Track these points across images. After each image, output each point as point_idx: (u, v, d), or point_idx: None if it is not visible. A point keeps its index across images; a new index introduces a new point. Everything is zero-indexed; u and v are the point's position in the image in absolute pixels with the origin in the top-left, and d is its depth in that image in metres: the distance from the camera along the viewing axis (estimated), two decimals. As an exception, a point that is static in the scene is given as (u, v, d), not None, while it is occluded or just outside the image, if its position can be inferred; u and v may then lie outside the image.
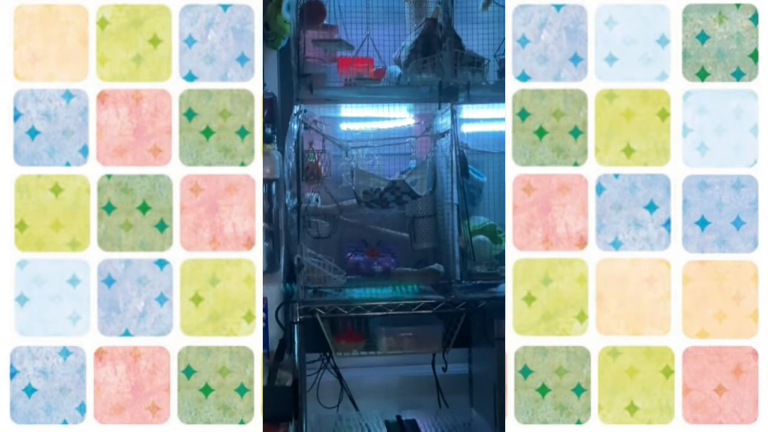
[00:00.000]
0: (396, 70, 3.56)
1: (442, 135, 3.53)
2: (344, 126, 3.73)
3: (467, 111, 3.56)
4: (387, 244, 3.73)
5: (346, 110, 3.73)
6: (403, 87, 3.51)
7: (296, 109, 3.43)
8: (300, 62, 3.41)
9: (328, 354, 3.77)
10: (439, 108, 3.53)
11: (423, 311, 3.32)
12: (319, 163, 3.57)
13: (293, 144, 3.41)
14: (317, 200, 3.58)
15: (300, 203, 3.40)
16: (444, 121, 3.52)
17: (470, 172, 3.52)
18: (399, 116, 3.75)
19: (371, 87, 3.51)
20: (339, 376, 3.88)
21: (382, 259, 3.66)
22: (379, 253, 3.70)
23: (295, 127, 3.41)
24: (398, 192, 3.42)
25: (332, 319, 3.45)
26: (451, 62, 3.38)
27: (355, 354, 3.55)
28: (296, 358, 3.36)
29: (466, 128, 3.57)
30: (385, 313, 3.31)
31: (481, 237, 3.49)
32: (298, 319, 3.28)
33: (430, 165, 3.55)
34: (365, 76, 3.51)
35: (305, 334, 3.37)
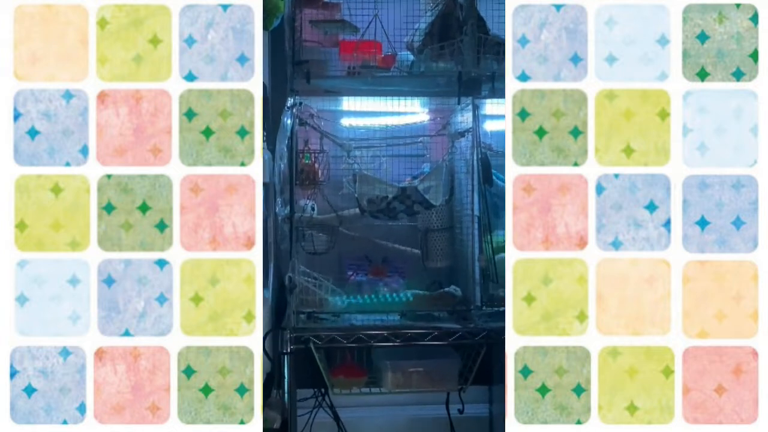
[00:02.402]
0: (408, 57, 3.17)
1: (462, 134, 3.16)
2: (346, 122, 3.34)
3: (491, 106, 3.18)
4: (395, 261, 3.32)
5: (349, 103, 3.30)
6: (416, 77, 3.12)
7: (290, 101, 3.04)
8: (295, 46, 3.00)
9: (323, 390, 3.31)
10: (459, 102, 3.11)
11: (436, 342, 2.93)
12: (316, 165, 3.16)
13: (286, 142, 3.04)
14: (313, 209, 3.19)
15: (293, 212, 3.01)
16: (464, 118, 3.12)
17: (494, 178, 3.13)
18: (411, 111, 3.31)
19: (378, 76, 3.10)
20: (336, 417, 3.39)
21: (388, 280, 3.25)
22: (386, 273, 3.29)
23: (289, 122, 3.03)
24: (409, 200, 3.06)
25: (329, 350, 3.02)
26: (474, 48, 2.99)
27: (356, 391, 3.11)
28: (286, 395, 3.01)
29: (489, 126, 3.20)
30: (391, 343, 2.92)
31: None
32: (288, 350, 2.89)
33: (447, 169, 3.17)
34: (372, 63, 3.11)
35: (297, 367, 2.98)
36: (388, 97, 3.25)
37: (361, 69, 3.08)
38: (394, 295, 3.11)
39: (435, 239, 3.22)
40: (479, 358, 2.99)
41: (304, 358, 2.94)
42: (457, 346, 3.01)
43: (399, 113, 3.31)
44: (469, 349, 3.02)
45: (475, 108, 3.04)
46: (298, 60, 3.00)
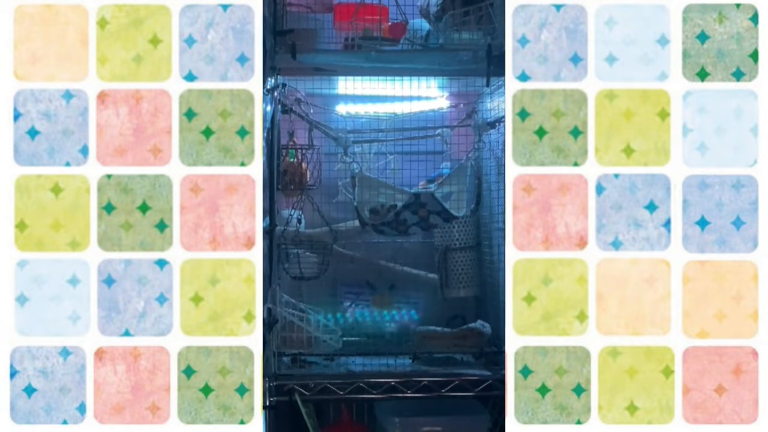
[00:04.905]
0: (423, 25, 2.62)
1: (492, 125, 2.64)
2: (342, 109, 2.76)
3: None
4: (404, 289, 2.77)
5: (347, 85, 2.74)
6: (432, 51, 2.53)
7: (271, 82, 2.49)
8: (277, 12, 2.43)
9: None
10: (488, 84, 2.55)
11: (459, 393, 2.41)
12: (304, 165, 2.62)
13: (265, 135, 2.42)
14: (300, 221, 2.63)
15: (273, 225, 2.44)
16: (495, 104, 2.63)
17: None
18: (426, 96, 2.78)
19: (384, 51, 2.53)
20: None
21: (396, 313, 2.74)
22: (393, 304, 2.77)
23: (269, 109, 2.48)
24: (423, 210, 2.53)
25: (320, 403, 2.49)
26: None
27: (355, 457, 2.43)
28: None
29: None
30: (400, 395, 2.37)
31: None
32: (267, 403, 2.31)
33: (473, 170, 2.63)
34: (375, 33, 2.53)
35: (278, 426, 2.40)
36: (396, 78, 2.71)
37: (362, 41, 2.52)
38: (404, 332, 2.55)
39: (457, 260, 2.68)
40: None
41: (287, 413, 2.40)
42: (485, 398, 2.50)
43: (410, 98, 2.77)
44: (500, 402, 2.41)
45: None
46: (281, 29, 2.42)
